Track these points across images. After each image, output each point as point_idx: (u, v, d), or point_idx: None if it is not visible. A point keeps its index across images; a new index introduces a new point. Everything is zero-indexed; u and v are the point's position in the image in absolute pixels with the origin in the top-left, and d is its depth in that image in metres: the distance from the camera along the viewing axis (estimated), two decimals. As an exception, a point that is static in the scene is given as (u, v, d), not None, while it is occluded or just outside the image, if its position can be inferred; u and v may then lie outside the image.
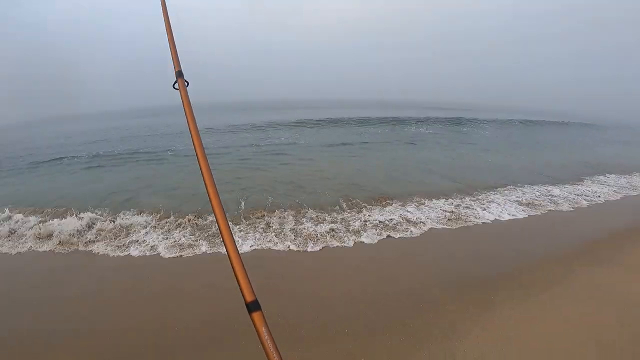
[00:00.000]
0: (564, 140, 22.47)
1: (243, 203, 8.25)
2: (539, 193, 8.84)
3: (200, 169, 1.31)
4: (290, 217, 7.39)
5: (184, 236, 6.58)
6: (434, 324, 3.75)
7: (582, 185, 9.86)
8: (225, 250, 1.22)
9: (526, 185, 9.75)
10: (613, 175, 10.95)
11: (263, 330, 1.09)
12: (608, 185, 9.74)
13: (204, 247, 6.14)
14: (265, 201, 8.45)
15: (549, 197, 8.52)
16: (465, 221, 6.95)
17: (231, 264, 1.18)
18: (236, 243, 1.21)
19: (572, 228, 6.63)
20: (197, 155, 1.32)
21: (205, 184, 1.29)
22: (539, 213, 7.44)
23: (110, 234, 6.84)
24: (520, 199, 8.19)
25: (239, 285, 1.15)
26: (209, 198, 1.26)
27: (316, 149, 16.45)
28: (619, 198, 8.56)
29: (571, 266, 4.93)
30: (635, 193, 8.97)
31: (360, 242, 6.17)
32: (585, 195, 8.70)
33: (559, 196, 8.62)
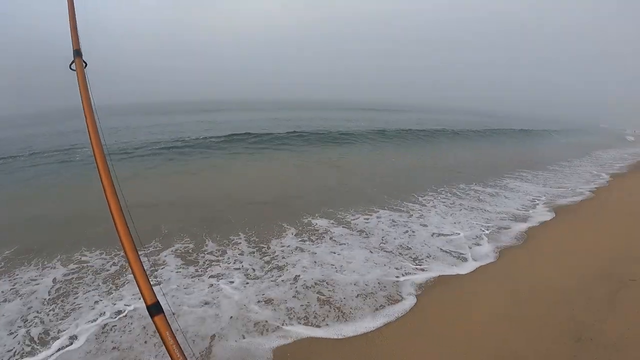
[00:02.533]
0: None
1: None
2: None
3: (95, 158, 1.12)
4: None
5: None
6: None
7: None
8: (123, 251, 1.04)
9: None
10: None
11: (166, 334, 0.99)
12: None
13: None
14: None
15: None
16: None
17: (130, 265, 1.04)
18: (135, 242, 1.11)
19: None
20: (91, 143, 1.13)
21: (100, 175, 1.10)
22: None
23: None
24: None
25: (139, 287, 1.02)
26: (104, 192, 1.09)
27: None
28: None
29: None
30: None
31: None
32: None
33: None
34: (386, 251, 4.98)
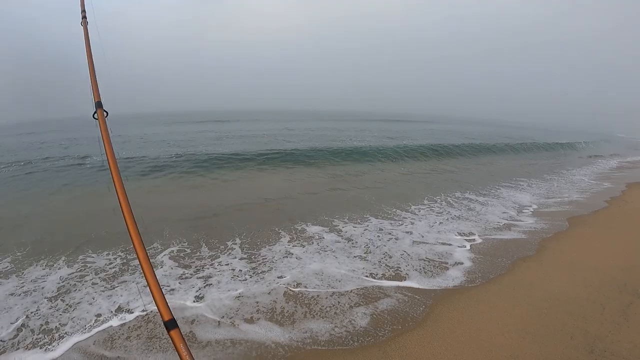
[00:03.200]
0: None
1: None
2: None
3: (117, 194, 1.29)
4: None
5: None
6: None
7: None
8: (141, 271, 1.18)
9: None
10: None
11: (181, 347, 1.11)
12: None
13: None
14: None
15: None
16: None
17: (147, 284, 1.18)
18: (151, 262, 1.25)
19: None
20: (114, 183, 1.31)
21: (121, 206, 1.27)
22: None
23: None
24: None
25: (156, 304, 1.15)
26: (124, 218, 1.25)
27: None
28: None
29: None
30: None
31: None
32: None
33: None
34: (366, 260, 5.14)
